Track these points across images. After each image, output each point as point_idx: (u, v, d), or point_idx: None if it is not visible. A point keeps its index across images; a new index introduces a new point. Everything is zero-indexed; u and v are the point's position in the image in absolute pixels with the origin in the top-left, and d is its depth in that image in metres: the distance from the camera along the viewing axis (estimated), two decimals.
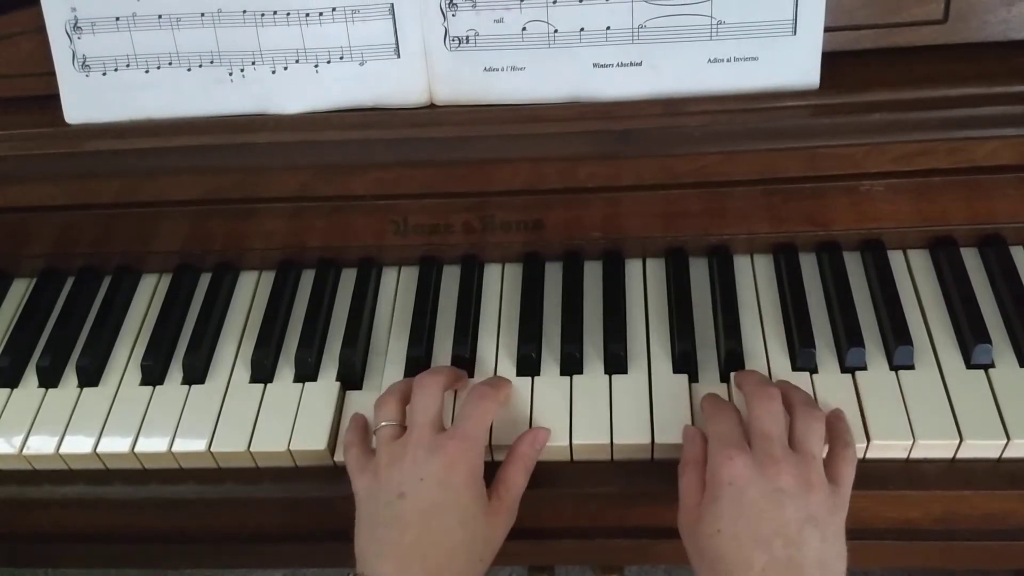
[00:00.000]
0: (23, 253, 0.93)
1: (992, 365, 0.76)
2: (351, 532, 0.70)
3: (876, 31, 0.76)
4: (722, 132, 0.77)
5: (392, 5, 0.77)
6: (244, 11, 0.78)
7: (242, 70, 0.80)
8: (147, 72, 0.81)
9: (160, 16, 0.79)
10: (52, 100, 0.82)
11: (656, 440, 0.74)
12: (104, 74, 0.82)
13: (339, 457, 0.77)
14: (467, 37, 0.78)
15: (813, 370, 0.78)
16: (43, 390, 0.84)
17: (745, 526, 0.64)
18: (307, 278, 0.90)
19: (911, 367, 0.77)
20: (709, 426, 0.71)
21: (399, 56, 0.79)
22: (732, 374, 0.77)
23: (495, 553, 0.70)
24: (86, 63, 0.81)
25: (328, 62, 0.79)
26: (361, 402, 0.80)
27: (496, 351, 0.82)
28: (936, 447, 0.72)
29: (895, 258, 0.85)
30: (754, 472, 0.65)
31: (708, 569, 0.65)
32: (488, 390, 0.75)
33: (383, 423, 0.73)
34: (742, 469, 0.65)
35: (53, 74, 0.82)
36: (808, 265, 0.85)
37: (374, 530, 0.68)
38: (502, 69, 0.79)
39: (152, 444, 0.79)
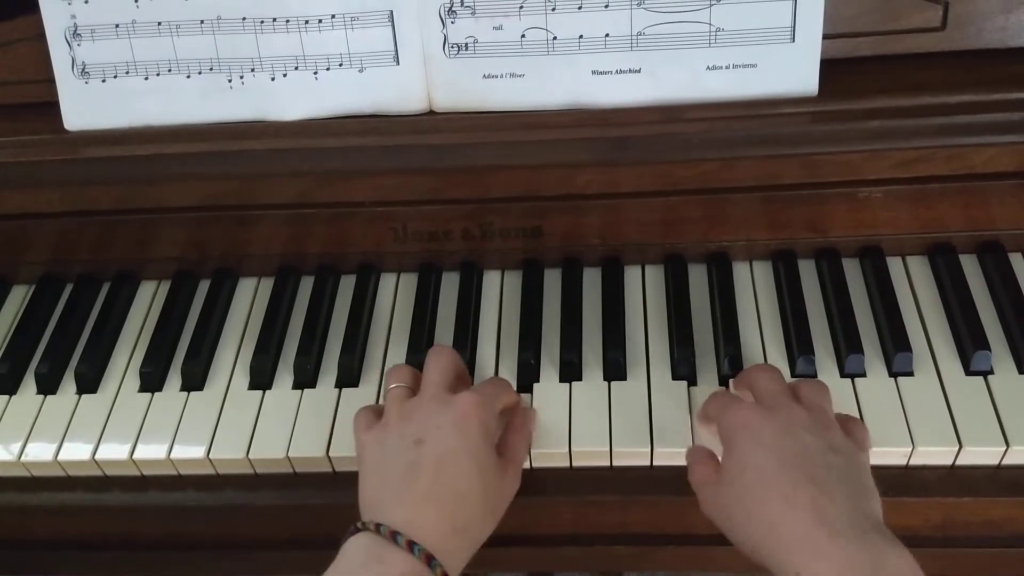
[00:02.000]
0: (22, 260, 0.92)
1: (991, 372, 0.76)
2: None
3: (874, 38, 0.76)
4: (721, 139, 0.77)
5: (391, 12, 0.77)
6: (244, 18, 0.78)
7: (241, 77, 0.81)
8: (147, 79, 0.81)
9: (160, 23, 0.79)
10: (51, 107, 0.82)
11: (655, 447, 0.74)
12: (104, 81, 0.82)
13: (339, 466, 0.77)
14: (466, 44, 0.78)
15: (812, 377, 0.78)
16: (41, 397, 0.84)
17: (767, 456, 0.63)
18: (306, 285, 0.90)
19: (910, 374, 0.77)
20: (710, 405, 0.71)
21: (398, 63, 0.79)
22: (731, 381, 0.77)
23: (504, 510, 0.70)
24: (85, 70, 0.81)
25: (328, 69, 0.79)
26: (357, 400, 0.80)
27: (495, 358, 0.82)
28: (935, 454, 0.72)
29: (894, 265, 0.85)
30: (766, 414, 0.65)
31: (739, 511, 0.63)
32: (501, 379, 0.77)
33: (394, 384, 0.74)
34: (754, 413, 0.66)
35: (52, 81, 0.82)
36: (807, 272, 0.85)
37: (385, 477, 0.68)
38: (501, 76, 0.79)
39: (151, 451, 0.79)
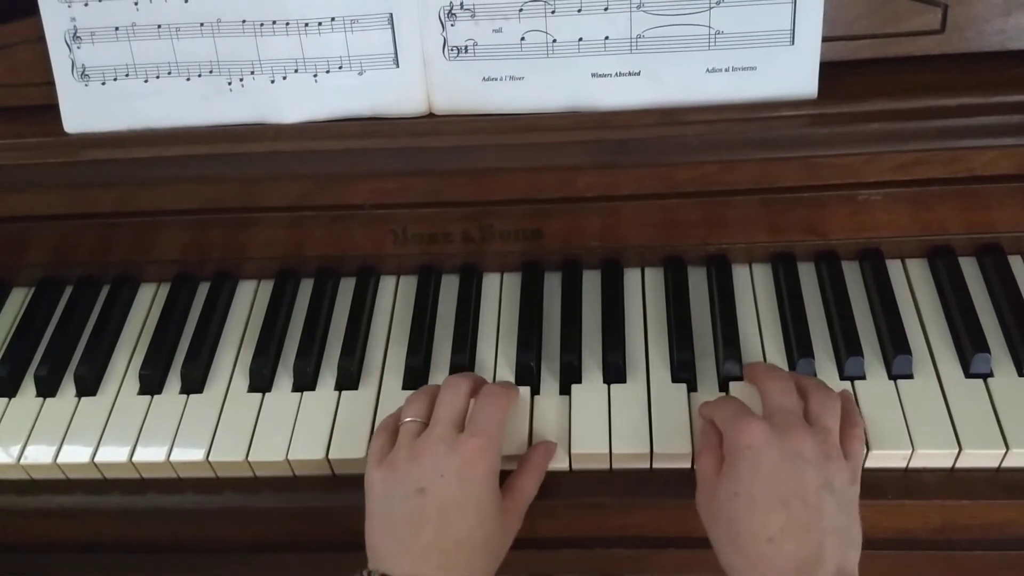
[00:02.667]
0: (22, 262, 0.93)
1: (991, 374, 0.76)
2: (351, 542, 0.70)
3: (874, 41, 0.77)
4: (720, 141, 0.77)
5: (391, 15, 0.77)
6: (243, 21, 0.79)
7: (241, 80, 0.81)
8: (146, 81, 0.81)
9: (159, 26, 0.79)
10: (51, 109, 0.83)
11: (655, 450, 0.74)
12: (103, 83, 0.82)
13: (339, 469, 0.77)
14: (466, 47, 0.78)
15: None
16: (41, 399, 0.84)
17: (762, 487, 0.63)
18: (306, 287, 0.90)
19: (910, 376, 0.77)
20: (718, 412, 0.71)
21: (398, 66, 0.79)
22: (745, 366, 0.77)
23: (505, 552, 0.70)
24: (85, 72, 0.81)
25: (327, 72, 0.79)
26: (356, 402, 0.80)
27: (495, 360, 0.82)
28: (935, 456, 0.72)
29: (893, 267, 0.85)
30: (772, 436, 0.65)
31: (725, 532, 0.64)
32: (499, 390, 0.75)
33: (408, 419, 0.73)
34: (759, 433, 0.65)
35: (52, 84, 0.82)
36: (806, 274, 0.85)
37: (391, 525, 0.68)
38: (501, 78, 0.79)
39: (150, 453, 0.78)
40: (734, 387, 0.77)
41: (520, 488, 0.72)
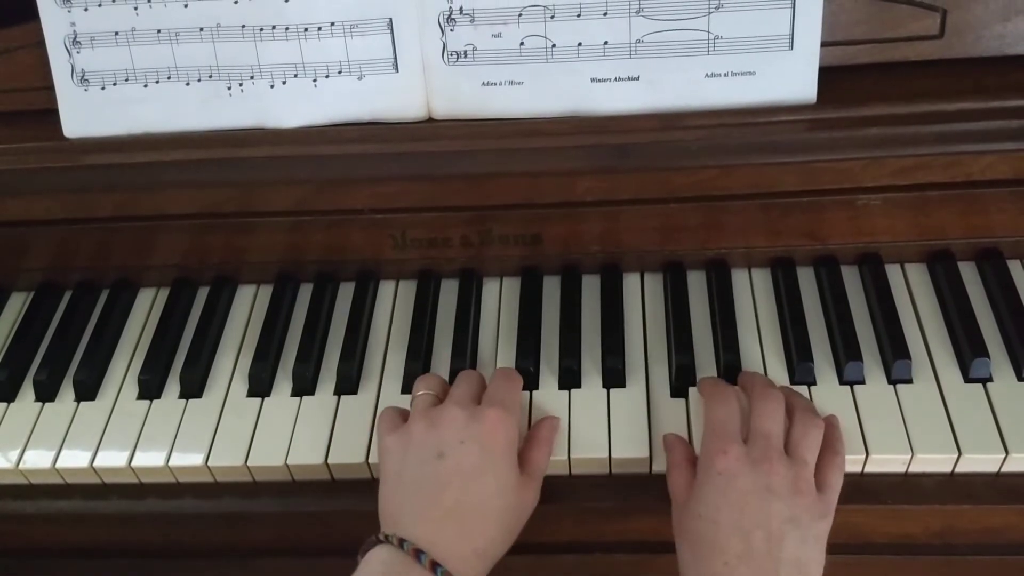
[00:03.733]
0: (21, 267, 0.92)
1: (990, 379, 0.76)
2: (350, 547, 0.70)
3: (873, 46, 0.77)
4: (719, 146, 0.77)
5: (391, 20, 0.78)
6: (243, 26, 0.79)
7: (241, 84, 0.81)
8: (146, 86, 0.82)
9: (159, 31, 0.80)
10: (51, 114, 0.82)
11: (654, 454, 0.74)
12: (103, 88, 0.82)
13: (338, 474, 0.77)
14: (465, 52, 0.78)
15: (811, 384, 0.78)
16: (40, 404, 0.84)
17: (727, 514, 0.64)
18: (305, 292, 0.90)
19: (909, 381, 0.77)
20: (708, 410, 0.71)
21: (397, 71, 0.79)
22: (739, 375, 0.77)
23: (521, 527, 0.70)
24: (85, 77, 0.82)
25: (327, 76, 0.80)
26: (355, 407, 0.80)
27: (495, 365, 0.82)
28: (934, 461, 0.72)
29: (893, 272, 0.85)
30: (746, 466, 0.66)
31: (688, 551, 0.66)
32: (511, 371, 0.76)
33: (422, 391, 0.74)
34: (734, 462, 0.66)
35: (52, 88, 0.82)
36: (806, 279, 0.85)
37: (408, 490, 0.68)
38: (500, 83, 0.79)
39: (149, 458, 0.78)
40: (740, 382, 0.77)
41: (534, 461, 0.72)
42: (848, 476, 0.70)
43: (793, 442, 0.68)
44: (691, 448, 0.73)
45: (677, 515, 0.69)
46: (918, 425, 0.73)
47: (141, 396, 0.84)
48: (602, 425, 0.76)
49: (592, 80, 0.78)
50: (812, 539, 0.65)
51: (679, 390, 0.78)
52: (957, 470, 0.73)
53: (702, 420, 0.74)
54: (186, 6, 0.78)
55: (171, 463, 0.78)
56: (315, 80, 0.80)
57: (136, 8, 0.79)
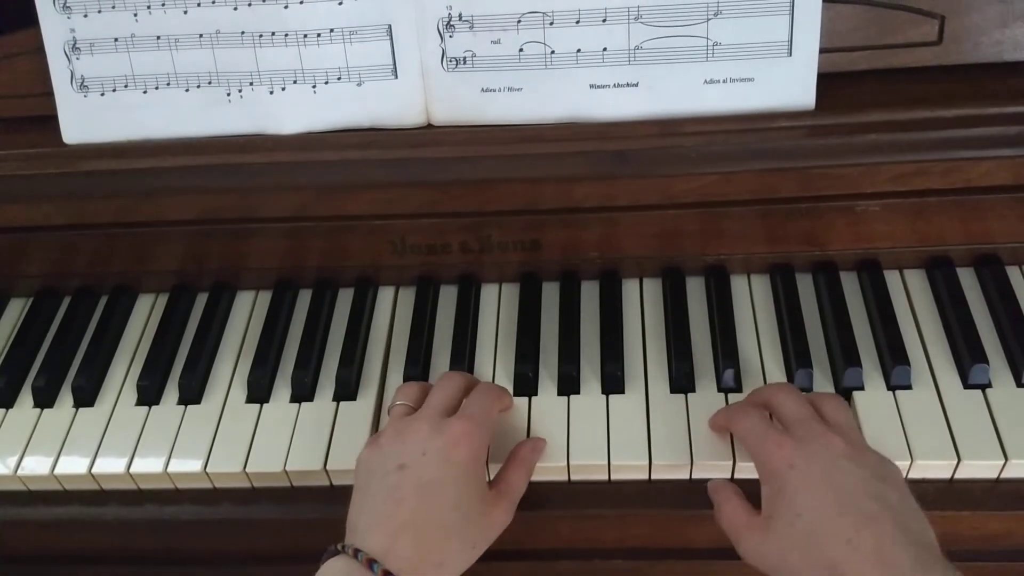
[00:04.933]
0: (20, 273, 0.92)
1: (989, 385, 0.76)
2: None
3: (871, 52, 0.77)
4: (718, 152, 0.77)
5: (390, 26, 0.78)
6: (242, 32, 0.79)
7: (240, 90, 0.81)
8: (145, 92, 0.82)
9: (159, 37, 0.80)
10: (50, 120, 0.83)
11: (653, 461, 0.74)
12: (102, 94, 0.82)
13: (337, 480, 0.77)
14: (464, 58, 0.78)
15: (810, 390, 0.78)
16: (38, 410, 0.84)
17: (822, 498, 0.62)
18: (304, 298, 0.90)
19: (908, 387, 0.77)
20: (737, 428, 0.70)
21: (397, 77, 0.79)
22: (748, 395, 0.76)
23: (488, 543, 0.69)
24: (84, 83, 0.82)
25: (326, 83, 0.80)
26: (354, 413, 0.80)
27: (493, 371, 0.82)
28: (934, 467, 0.72)
29: (891, 278, 0.85)
30: (808, 449, 0.65)
31: (799, 558, 0.62)
32: (494, 386, 0.76)
33: (398, 402, 0.74)
34: (797, 449, 0.65)
35: (51, 94, 0.82)
36: (805, 285, 0.85)
37: (369, 500, 0.67)
38: (499, 90, 0.79)
39: (147, 465, 0.78)
40: (732, 399, 0.77)
41: (507, 480, 0.71)
42: None
43: (828, 416, 0.68)
44: (734, 484, 0.71)
45: (758, 541, 0.65)
46: (917, 431, 0.73)
47: (140, 402, 0.84)
48: (601, 431, 0.76)
49: (591, 86, 0.78)
50: (901, 488, 0.64)
51: (678, 395, 0.78)
52: (956, 476, 0.73)
53: (702, 427, 0.75)
54: (186, 12, 0.79)
55: (170, 469, 0.78)
56: (314, 86, 0.80)
57: (136, 14, 0.79)
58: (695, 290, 0.86)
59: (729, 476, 0.74)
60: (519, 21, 0.76)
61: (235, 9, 0.78)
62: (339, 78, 0.80)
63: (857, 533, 0.60)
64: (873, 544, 0.60)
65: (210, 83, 0.81)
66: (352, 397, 0.81)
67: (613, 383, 0.79)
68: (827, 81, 0.76)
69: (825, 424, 0.67)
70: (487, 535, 0.69)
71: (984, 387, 0.76)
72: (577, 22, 0.76)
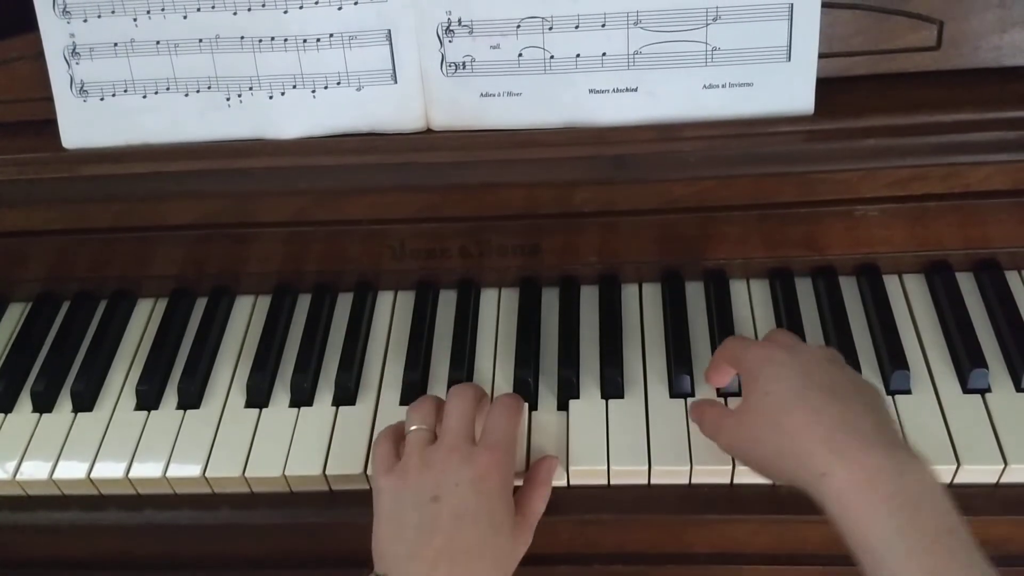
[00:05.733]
0: (19, 277, 0.92)
1: (988, 390, 0.76)
2: (348, 558, 0.70)
3: (870, 57, 0.77)
4: (717, 157, 0.77)
5: (389, 31, 0.78)
6: (242, 37, 0.79)
7: (240, 95, 0.81)
8: (145, 97, 0.82)
9: (158, 42, 0.80)
10: (50, 125, 0.83)
11: (653, 465, 0.74)
12: (102, 99, 0.82)
13: (336, 485, 0.77)
14: (464, 63, 0.78)
15: None
16: (37, 415, 0.84)
17: (794, 380, 0.65)
18: (303, 303, 0.90)
19: (907, 392, 0.77)
20: (726, 349, 0.73)
21: (396, 82, 0.79)
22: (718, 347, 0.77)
23: (514, 567, 0.70)
24: (84, 88, 0.82)
25: (325, 87, 0.80)
26: (354, 418, 0.80)
27: (492, 376, 0.82)
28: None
29: (891, 283, 0.85)
30: (791, 350, 0.68)
31: (767, 430, 0.64)
32: (512, 401, 0.75)
33: (415, 426, 0.73)
34: (780, 348, 0.68)
35: (51, 99, 0.82)
36: (804, 290, 0.85)
37: (401, 531, 0.67)
38: (498, 95, 0.79)
39: (147, 469, 0.78)
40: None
41: (529, 504, 0.72)
42: None
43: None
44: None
45: (734, 424, 0.68)
46: (916, 436, 0.73)
47: (139, 407, 0.83)
48: (601, 436, 0.76)
49: (590, 91, 0.78)
50: (881, 398, 0.67)
51: (677, 400, 0.78)
52: (956, 481, 0.72)
53: (703, 429, 0.74)
54: (185, 17, 0.79)
55: (169, 474, 0.78)
56: (314, 91, 0.80)
57: (135, 19, 0.79)
58: (694, 295, 0.86)
59: (728, 481, 0.73)
60: (518, 26, 0.77)
61: (235, 14, 0.78)
62: (339, 83, 0.80)
63: (823, 405, 0.63)
64: (837, 413, 0.62)
65: (210, 88, 0.81)
66: (351, 402, 0.81)
67: (612, 388, 0.79)
68: (826, 86, 0.76)
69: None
70: (514, 560, 0.70)
71: (983, 392, 0.76)
72: (576, 27, 0.76)
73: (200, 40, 0.79)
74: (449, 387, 0.81)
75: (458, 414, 0.72)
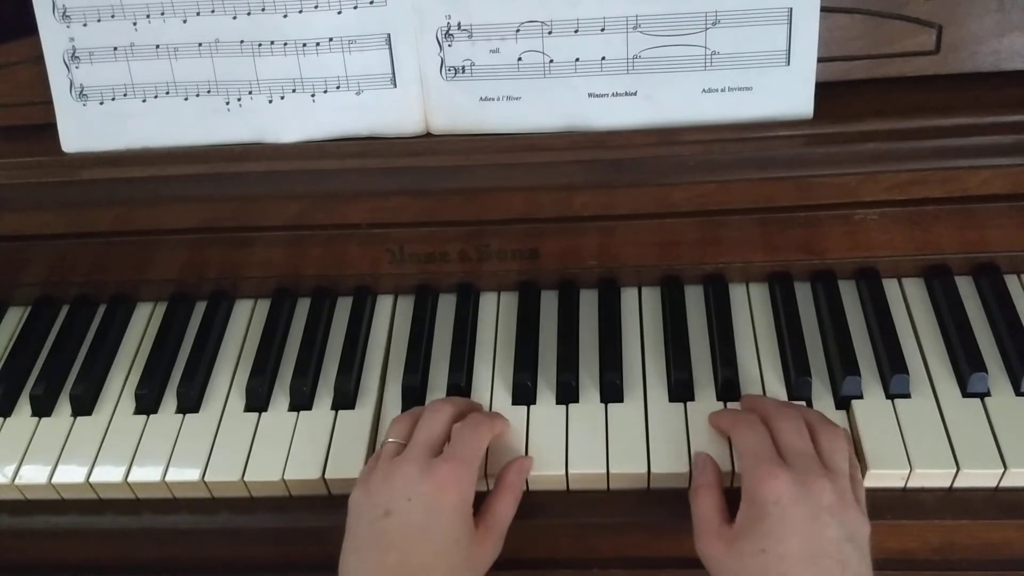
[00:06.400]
0: (18, 281, 0.92)
1: (988, 394, 0.76)
2: None
3: (869, 61, 0.77)
4: (716, 161, 0.77)
5: (389, 35, 0.78)
6: (241, 41, 0.79)
7: (239, 99, 0.81)
8: (144, 101, 0.82)
9: (158, 46, 0.80)
10: (49, 129, 0.83)
11: (652, 469, 0.74)
12: (101, 103, 0.82)
13: (335, 489, 0.77)
14: (463, 67, 0.78)
15: (809, 399, 0.78)
16: (36, 419, 0.84)
17: (792, 545, 0.63)
18: (302, 306, 0.90)
19: (907, 396, 0.77)
20: (738, 440, 0.70)
21: (395, 86, 0.79)
22: (743, 397, 0.77)
23: None
24: (83, 92, 0.82)
25: (325, 91, 0.80)
26: (353, 422, 0.80)
27: (492, 380, 0.82)
28: (933, 476, 0.72)
29: (890, 286, 0.85)
30: (798, 490, 0.65)
31: None
32: (483, 417, 0.74)
33: (390, 439, 0.73)
34: (788, 487, 0.65)
35: (50, 103, 0.82)
36: (803, 293, 0.85)
37: (357, 547, 0.67)
38: (498, 99, 0.79)
39: (146, 473, 0.78)
40: (732, 405, 0.77)
41: (495, 511, 0.71)
42: None
43: (825, 455, 0.68)
44: (718, 470, 0.72)
45: (719, 550, 0.66)
46: (916, 440, 0.73)
47: (138, 411, 0.83)
48: (600, 440, 0.76)
49: (589, 95, 0.78)
50: (866, 552, 0.65)
51: (677, 403, 0.78)
52: (956, 485, 0.73)
53: (701, 436, 0.74)
54: (185, 22, 0.79)
55: (168, 478, 0.78)
56: (313, 95, 0.80)
57: (135, 24, 0.79)
58: (694, 299, 0.86)
59: (728, 485, 0.73)
60: (518, 30, 0.77)
61: (234, 18, 0.78)
62: (338, 87, 0.80)
63: None
64: None
65: (209, 92, 0.81)
66: (351, 406, 0.81)
67: (612, 392, 0.79)
68: (825, 90, 0.76)
69: (822, 465, 0.67)
70: (478, 573, 0.69)
71: (983, 396, 0.76)
72: (576, 31, 0.76)
73: (200, 44, 0.79)
74: (448, 391, 0.81)
75: (427, 428, 0.72)
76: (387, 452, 0.72)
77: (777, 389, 0.79)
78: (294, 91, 0.80)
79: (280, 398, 0.83)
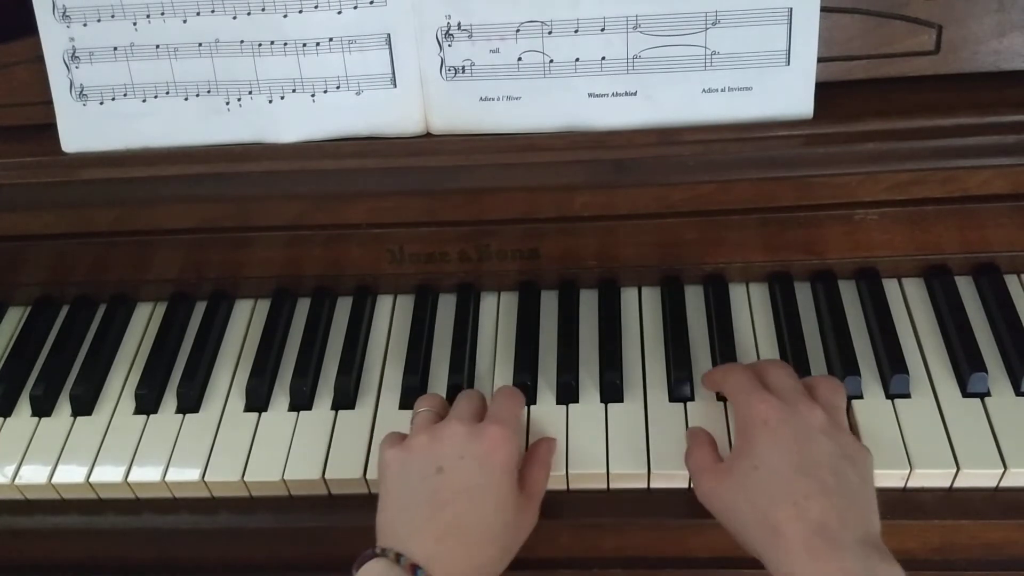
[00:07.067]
0: (18, 281, 0.92)
1: (988, 394, 0.76)
2: (348, 563, 0.69)
3: (869, 61, 0.77)
4: (716, 161, 0.77)
5: (389, 35, 0.78)
6: (242, 41, 0.79)
7: (239, 99, 0.81)
8: (144, 101, 0.82)
9: (158, 46, 0.80)
10: (49, 129, 0.83)
11: (652, 469, 0.74)
12: (101, 103, 0.82)
13: (336, 489, 0.77)
14: (463, 67, 0.78)
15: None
16: (36, 419, 0.84)
17: (783, 458, 0.64)
18: (302, 307, 0.90)
19: (907, 396, 0.77)
20: (726, 381, 0.72)
21: (395, 86, 0.79)
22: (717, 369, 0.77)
23: (519, 546, 0.69)
24: (83, 92, 0.82)
25: (325, 91, 0.80)
26: (353, 422, 0.80)
27: (492, 380, 0.82)
28: (933, 476, 0.72)
29: (890, 286, 0.85)
30: (787, 411, 0.66)
31: (746, 507, 0.64)
32: (515, 390, 0.76)
33: (423, 408, 0.74)
34: (776, 409, 0.65)
35: (50, 103, 0.82)
36: (803, 293, 0.85)
37: (406, 504, 0.67)
38: (498, 99, 0.79)
39: (145, 473, 0.78)
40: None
41: (535, 479, 0.71)
42: None
43: (822, 398, 0.69)
44: (710, 434, 0.73)
45: (715, 483, 0.67)
46: (916, 440, 0.73)
47: (138, 411, 0.83)
48: (600, 440, 0.76)
49: (589, 95, 0.78)
50: (865, 473, 0.65)
51: (677, 404, 0.78)
52: (956, 485, 0.73)
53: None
54: (185, 22, 0.79)
55: (167, 478, 0.78)
56: (313, 95, 0.80)
57: (135, 24, 0.79)
58: (694, 299, 0.86)
59: None
60: (518, 30, 0.77)
61: (234, 18, 0.78)
62: (338, 87, 0.80)
63: (806, 499, 0.61)
64: (818, 513, 0.61)
65: (209, 92, 0.81)
66: (351, 406, 0.81)
67: (612, 392, 0.79)
68: (825, 90, 0.76)
69: (812, 398, 0.68)
70: (520, 538, 0.69)
71: (983, 396, 0.76)
72: (576, 31, 0.76)
73: (200, 44, 0.79)
74: (449, 392, 0.81)
75: (468, 398, 0.74)
76: (423, 419, 0.73)
77: None
78: (294, 91, 0.80)
79: (280, 398, 0.83)
